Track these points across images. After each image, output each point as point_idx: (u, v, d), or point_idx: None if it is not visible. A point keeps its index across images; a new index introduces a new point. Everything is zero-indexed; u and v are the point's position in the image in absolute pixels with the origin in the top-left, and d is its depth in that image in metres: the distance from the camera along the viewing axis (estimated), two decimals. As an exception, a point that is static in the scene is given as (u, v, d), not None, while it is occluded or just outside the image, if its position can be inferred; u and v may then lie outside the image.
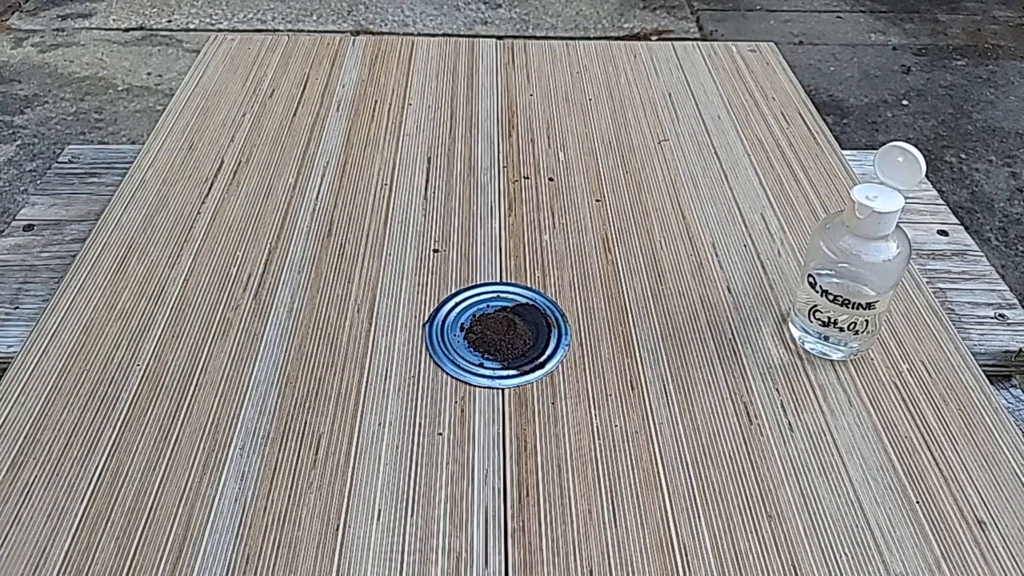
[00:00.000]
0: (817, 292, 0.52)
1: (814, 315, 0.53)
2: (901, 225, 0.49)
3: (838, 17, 2.58)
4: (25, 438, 0.49)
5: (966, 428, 0.51)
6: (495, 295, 0.59)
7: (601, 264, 0.62)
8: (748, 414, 0.51)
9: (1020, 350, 0.63)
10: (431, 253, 0.63)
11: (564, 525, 0.45)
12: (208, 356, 0.54)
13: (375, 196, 0.68)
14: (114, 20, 2.46)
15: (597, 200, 0.69)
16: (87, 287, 0.59)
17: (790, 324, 0.56)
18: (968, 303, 0.67)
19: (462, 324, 0.57)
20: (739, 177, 0.72)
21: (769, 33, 2.47)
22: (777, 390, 0.53)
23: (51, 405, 0.50)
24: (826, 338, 0.54)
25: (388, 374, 0.53)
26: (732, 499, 0.46)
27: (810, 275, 0.52)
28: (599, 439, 0.49)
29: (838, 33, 2.49)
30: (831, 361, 0.55)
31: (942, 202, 0.79)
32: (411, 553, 0.44)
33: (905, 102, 2.16)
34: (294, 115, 0.78)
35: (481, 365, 0.54)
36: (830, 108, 2.12)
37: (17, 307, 0.64)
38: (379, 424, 0.50)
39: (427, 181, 0.70)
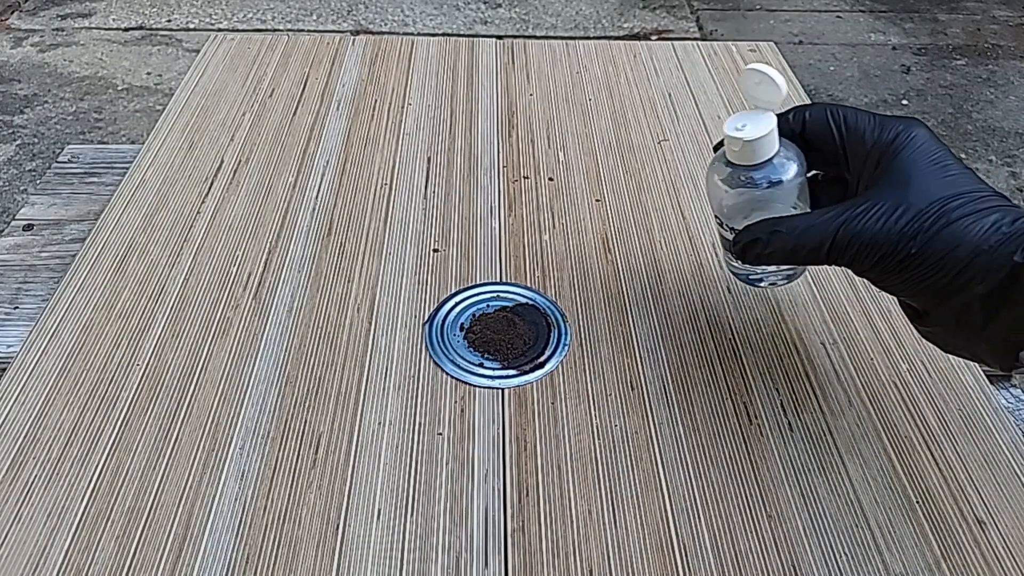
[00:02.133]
0: (727, 231, 0.49)
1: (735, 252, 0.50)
2: (787, 141, 0.47)
3: (838, 17, 2.58)
4: (25, 438, 0.49)
5: (966, 428, 0.51)
6: (495, 295, 0.59)
7: (601, 264, 0.62)
8: (748, 414, 0.51)
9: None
10: (431, 253, 0.63)
11: (564, 525, 0.45)
12: (208, 356, 0.54)
13: (375, 196, 0.68)
14: (114, 20, 2.46)
15: (597, 200, 0.69)
16: (87, 287, 0.59)
17: (725, 267, 0.54)
18: (968, 303, 0.67)
19: (462, 324, 0.57)
20: (739, 177, 0.72)
21: (769, 33, 2.47)
22: (777, 390, 0.53)
23: (51, 405, 0.50)
24: (755, 271, 0.52)
25: (388, 373, 0.53)
26: (732, 499, 0.46)
27: (716, 216, 0.50)
28: (599, 439, 0.49)
29: (838, 33, 2.49)
30: (831, 361, 0.55)
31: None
32: (411, 552, 0.44)
33: (905, 102, 2.16)
34: (294, 115, 0.78)
35: (481, 365, 0.54)
36: (830, 108, 2.12)
37: (17, 307, 0.64)
38: (379, 423, 0.50)
39: (427, 181, 0.70)
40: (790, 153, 0.47)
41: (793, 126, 0.47)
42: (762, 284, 0.53)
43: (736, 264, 0.51)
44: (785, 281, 0.53)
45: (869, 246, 0.41)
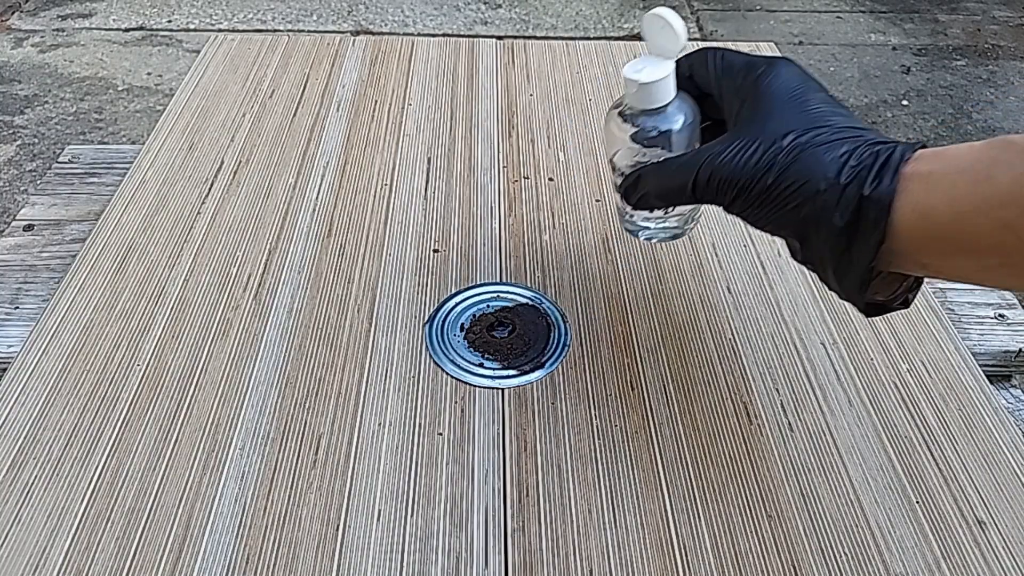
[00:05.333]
0: (618, 176, 0.50)
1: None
2: (684, 93, 0.48)
3: (838, 17, 2.58)
4: (25, 438, 0.49)
5: (966, 428, 0.51)
6: (495, 295, 0.59)
7: (601, 264, 0.62)
8: (748, 414, 0.51)
9: (1020, 350, 0.63)
10: (431, 253, 0.63)
11: (564, 525, 0.45)
12: (208, 356, 0.54)
13: (375, 196, 0.68)
14: (114, 20, 2.46)
15: (597, 200, 0.69)
16: (87, 287, 0.59)
17: (621, 222, 0.54)
18: (968, 303, 0.67)
19: (462, 324, 0.57)
20: (739, 177, 0.72)
21: (769, 33, 2.47)
22: (777, 390, 0.53)
23: (51, 405, 0.50)
24: (647, 219, 0.52)
25: (388, 374, 0.53)
26: (732, 499, 0.46)
27: (611, 161, 0.50)
28: (599, 439, 0.49)
29: (838, 33, 2.49)
30: (831, 361, 0.55)
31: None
32: (411, 553, 0.44)
33: (905, 102, 2.16)
34: (294, 115, 0.78)
35: (481, 365, 0.54)
36: (830, 108, 2.11)
37: (17, 307, 0.64)
38: (379, 424, 0.50)
39: (427, 181, 0.70)
40: (685, 104, 0.47)
41: (683, 71, 0.48)
42: (640, 236, 0.53)
43: (627, 214, 0.52)
44: (667, 236, 0.53)
45: (728, 180, 0.42)
